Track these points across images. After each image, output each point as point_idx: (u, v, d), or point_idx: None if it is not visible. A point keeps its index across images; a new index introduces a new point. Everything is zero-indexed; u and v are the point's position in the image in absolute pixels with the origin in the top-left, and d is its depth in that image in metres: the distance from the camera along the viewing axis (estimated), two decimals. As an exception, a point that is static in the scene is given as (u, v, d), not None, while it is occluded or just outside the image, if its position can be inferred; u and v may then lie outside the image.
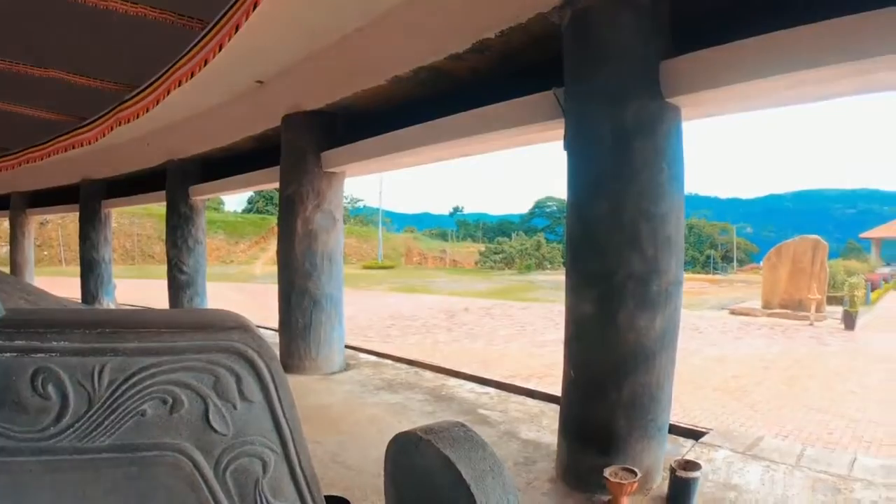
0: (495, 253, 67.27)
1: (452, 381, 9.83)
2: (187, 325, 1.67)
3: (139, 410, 1.56)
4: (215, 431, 1.65)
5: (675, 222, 5.64)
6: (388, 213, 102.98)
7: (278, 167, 10.97)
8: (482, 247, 75.47)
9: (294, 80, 10.40)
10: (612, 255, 5.53)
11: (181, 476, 1.64)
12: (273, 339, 10.86)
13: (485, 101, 7.46)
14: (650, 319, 5.51)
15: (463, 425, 3.24)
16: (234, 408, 1.67)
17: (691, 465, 5.51)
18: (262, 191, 60.44)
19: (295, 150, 10.58)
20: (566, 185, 5.98)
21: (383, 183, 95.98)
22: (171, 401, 1.59)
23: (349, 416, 7.91)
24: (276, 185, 11.18)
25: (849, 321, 18.98)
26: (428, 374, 10.39)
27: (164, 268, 15.48)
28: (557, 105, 6.22)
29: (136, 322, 1.64)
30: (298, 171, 10.48)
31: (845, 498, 5.76)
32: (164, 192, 15.49)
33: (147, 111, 11.18)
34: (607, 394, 5.61)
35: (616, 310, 5.51)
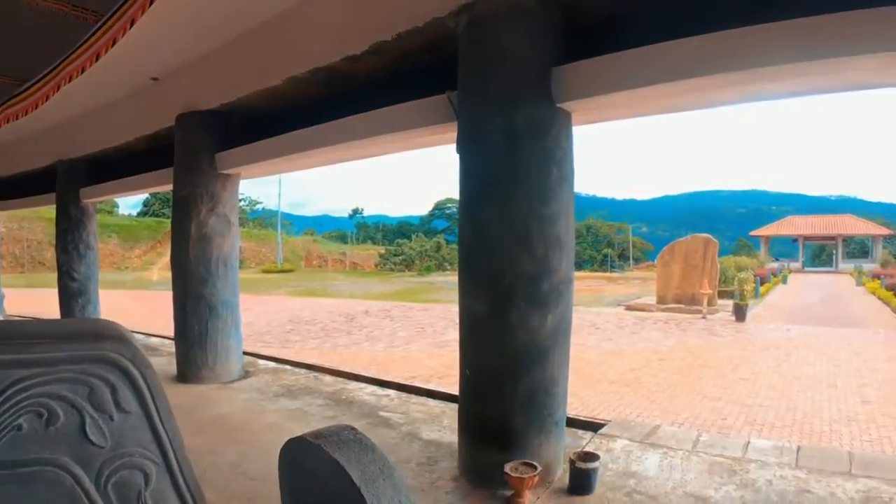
0: (395, 255, 67.33)
1: (353, 385, 9.75)
2: (61, 335, 1.61)
3: (15, 425, 1.50)
4: (93, 444, 1.60)
5: (564, 222, 5.80)
6: (288, 216, 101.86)
7: (173, 168, 10.58)
8: (382, 249, 75.43)
9: (190, 78, 10.04)
10: (503, 255, 5.62)
11: (62, 492, 1.58)
12: (170, 348, 10.56)
13: (382, 103, 7.43)
14: (542, 318, 5.63)
15: (352, 428, 3.22)
16: (111, 419, 1.62)
17: (590, 456, 5.69)
18: (157, 193, 58.58)
19: (189, 151, 10.22)
20: (458, 187, 6.05)
21: (282, 185, 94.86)
22: (46, 414, 1.53)
23: (249, 424, 7.74)
24: (171, 187, 10.73)
25: (739, 313, 19.93)
26: (328, 378, 10.28)
27: (56, 275, 14.82)
28: (451, 108, 6.28)
29: (9, 333, 1.57)
30: (192, 173, 10.11)
31: (741, 479, 6.09)
32: (53, 195, 14.74)
33: (37, 107, 10.65)
34: (503, 391, 5.70)
35: (508, 309, 5.60)
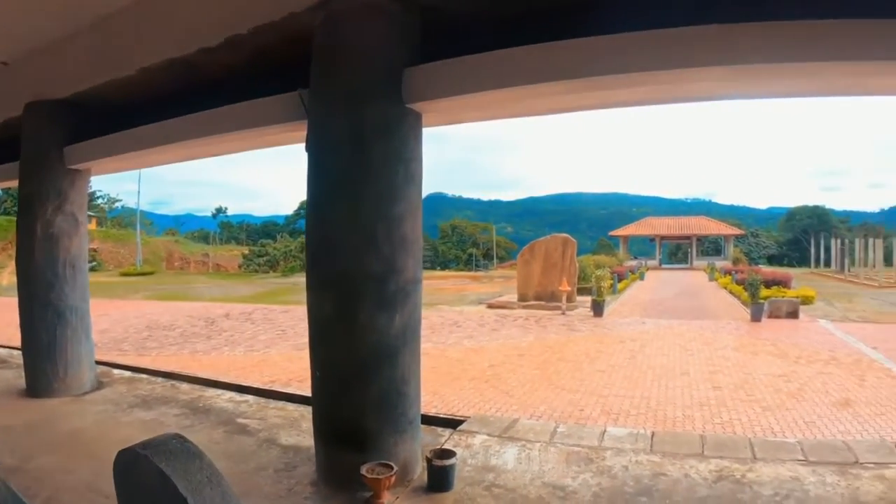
0: (259, 256, 65.69)
1: (210, 392, 9.41)
2: None
3: None
4: None
5: (411, 222, 5.80)
6: (149, 215, 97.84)
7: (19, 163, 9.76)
8: (246, 249, 73.46)
9: (41, 64, 9.25)
10: (350, 255, 5.58)
11: None
12: (20, 359, 9.92)
13: (237, 98, 7.19)
14: (389, 318, 5.62)
15: (180, 437, 3.13)
16: None
17: (446, 453, 5.75)
18: (9, 189, 54.42)
19: (36, 144, 9.46)
20: (306, 186, 5.96)
21: (143, 182, 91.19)
22: None
23: (103, 439, 7.32)
24: (17, 182, 10.02)
25: (597, 309, 20.71)
26: (185, 386, 9.85)
27: None
28: (302, 106, 6.16)
29: None
30: (39, 168, 9.37)
31: (597, 466, 6.32)
32: None
33: None
34: (354, 392, 5.67)
35: (355, 310, 5.57)
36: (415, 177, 5.85)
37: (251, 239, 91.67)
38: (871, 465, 6.37)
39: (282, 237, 73.78)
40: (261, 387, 9.61)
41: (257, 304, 26.93)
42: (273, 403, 8.70)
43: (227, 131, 7.40)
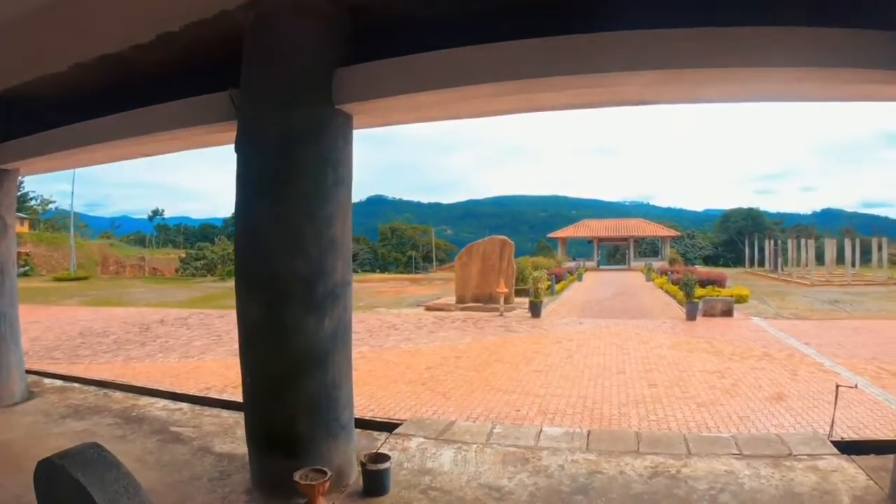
0: (196, 259, 64.41)
1: (144, 400, 9.16)
2: None
3: None
4: None
5: (340, 225, 5.74)
6: (83, 217, 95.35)
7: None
8: (183, 253, 72.11)
9: None
10: (278, 258, 5.51)
11: None
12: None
13: (171, 97, 7.03)
14: (319, 321, 5.55)
15: (97, 446, 3.01)
16: None
17: (381, 457, 5.70)
18: None
19: None
20: (235, 187, 5.86)
21: (78, 183, 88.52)
22: None
23: (32, 451, 7.02)
24: None
25: (534, 310, 20.84)
26: (118, 394, 9.58)
27: None
28: (233, 106, 6.05)
29: None
30: None
31: (534, 466, 6.36)
32: None
33: None
34: (285, 398, 5.58)
35: (284, 313, 5.50)
36: (344, 179, 5.80)
37: (189, 242, 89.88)
38: (805, 457, 6.58)
39: (220, 240, 72.40)
40: (195, 394, 9.43)
41: (193, 308, 26.38)
42: (208, 411, 8.53)
43: (158, 131, 7.23)
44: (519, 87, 5.49)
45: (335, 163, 5.67)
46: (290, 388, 5.54)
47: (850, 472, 6.15)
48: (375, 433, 7.39)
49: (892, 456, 5.29)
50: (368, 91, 5.66)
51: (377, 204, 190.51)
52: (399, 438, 7.14)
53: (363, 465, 5.62)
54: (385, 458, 5.69)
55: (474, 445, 6.91)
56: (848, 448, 6.79)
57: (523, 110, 6.55)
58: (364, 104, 5.78)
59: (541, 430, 7.48)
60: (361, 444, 6.60)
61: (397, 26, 5.92)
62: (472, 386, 10.43)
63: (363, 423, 7.40)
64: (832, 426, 7.50)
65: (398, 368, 11.91)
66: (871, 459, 6.44)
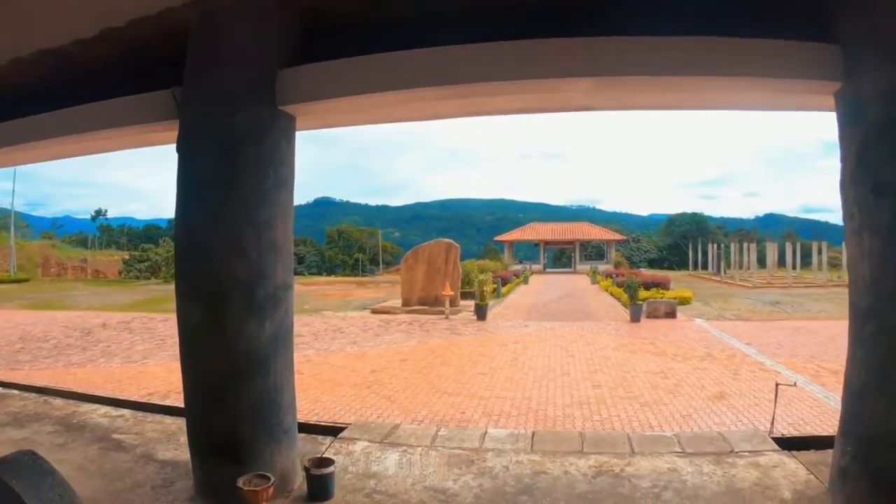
0: (140, 261, 62.78)
1: (85, 407, 8.95)
2: None
3: None
4: None
5: (281, 227, 5.69)
6: (25, 217, 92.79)
7: None
8: (126, 255, 70.45)
9: None
10: (218, 261, 5.43)
11: None
12: None
13: (114, 93, 6.86)
14: (259, 325, 5.48)
15: (32, 453, 2.93)
16: None
17: (324, 462, 5.71)
18: None
19: None
20: (175, 189, 5.75)
21: (19, 181, 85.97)
22: None
23: (-31, 461, 6.89)
24: None
25: (480, 312, 20.93)
26: (59, 401, 9.34)
27: None
28: (175, 104, 5.94)
29: None
30: None
31: (479, 468, 6.40)
32: None
33: None
34: (226, 403, 5.50)
35: (224, 317, 5.41)
36: (286, 181, 5.75)
37: (132, 243, 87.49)
38: (746, 454, 6.80)
39: (164, 241, 70.57)
40: (138, 400, 9.24)
41: (137, 312, 25.82)
42: (150, 417, 8.38)
43: (101, 128, 7.06)
44: (461, 91, 5.56)
45: (277, 164, 5.62)
46: (231, 392, 5.45)
47: (791, 467, 6.39)
48: (320, 437, 7.35)
49: (831, 451, 5.44)
50: (312, 92, 5.64)
51: (324, 206, 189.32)
52: (344, 442, 7.12)
53: (307, 469, 5.58)
54: (329, 462, 5.68)
55: (419, 448, 6.93)
56: (788, 444, 7.06)
57: (467, 114, 6.60)
58: (307, 105, 5.75)
59: (485, 432, 7.54)
60: (306, 448, 6.55)
61: (344, 29, 5.91)
62: (417, 389, 10.40)
63: (307, 428, 7.37)
64: (773, 423, 7.67)
65: (343, 372, 11.81)
66: (811, 455, 6.71)
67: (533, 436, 7.37)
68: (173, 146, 6.97)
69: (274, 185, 5.56)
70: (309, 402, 9.07)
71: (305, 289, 37.56)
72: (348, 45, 5.69)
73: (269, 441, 5.61)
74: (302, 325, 18.15)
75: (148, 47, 6.57)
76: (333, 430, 7.53)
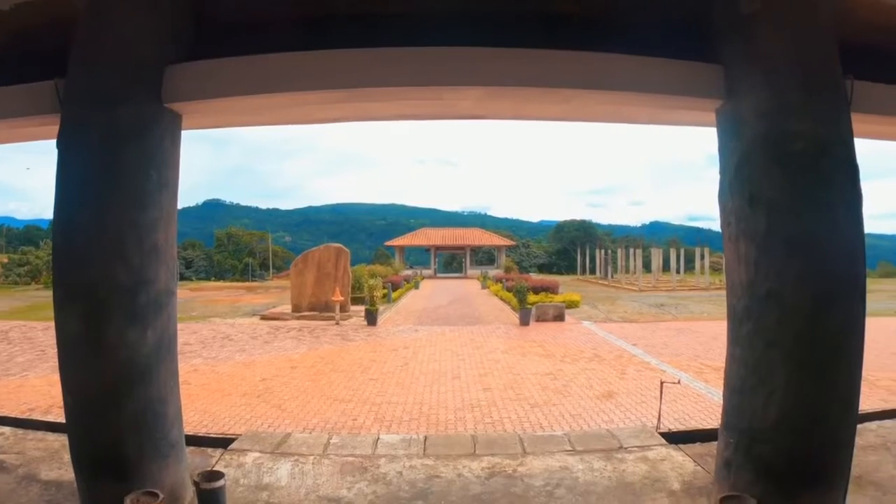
0: (20, 265, 59.69)
1: (-44, 426, 8.44)
2: None
3: None
4: None
5: (164, 230, 5.45)
6: None
7: None
8: (5, 258, 66.97)
9: None
10: (97, 265, 5.13)
11: None
12: None
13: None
14: (141, 332, 5.21)
15: None
16: None
17: (215, 475, 5.45)
18: None
19: None
20: (54, 188, 5.39)
21: None
22: None
23: None
24: None
25: (371, 318, 21.06)
26: (-73, 421, 8.83)
27: None
28: (57, 97, 5.66)
29: None
30: None
31: (372, 475, 6.37)
32: None
33: None
34: (108, 416, 5.19)
35: (104, 325, 5.12)
36: (169, 182, 5.49)
37: (11, 245, 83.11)
38: (635, 449, 7.13)
39: (45, 243, 67.32)
40: (18, 416, 8.60)
41: (16, 320, 24.39)
42: (32, 434, 7.78)
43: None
44: (352, 96, 5.54)
45: (160, 165, 5.35)
46: (113, 406, 5.13)
47: (679, 459, 6.76)
48: (209, 450, 7.09)
49: (715, 443, 5.75)
50: (200, 91, 5.44)
51: (214, 208, 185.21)
52: (234, 454, 6.91)
53: (197, 484, 5.29)
54: (219, 475, 5.42)
55: (311, 457, 6.84)
56: (675, 438, 7.51)
57: (358, 118, 6.58)
58: (195, 104, 5.54)
59: (378, 438, 7.55)
60: (195, 462, 6.33)
61: (237, 26, 5.74)
62: (308, 396, 10.27)
63: (196, 440, 7.10)
64: (659, 419, 8.02)
65: (232, 381, 11.53)
66: (697, 447, 7.15)
67: (425, 440, 7.43)
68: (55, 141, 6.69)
69: (157, 186, 5.29)
70: (197, 414, 8.80)
71: (193, 294, 36.59)
72: (241, 43, 5.50)
73: (155, 456, 5.32)
74: (189, 333, 17.69)
75: (34, 35, 6.18)
76: (223, 442, 7.29)
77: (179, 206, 5.74)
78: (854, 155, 5.22)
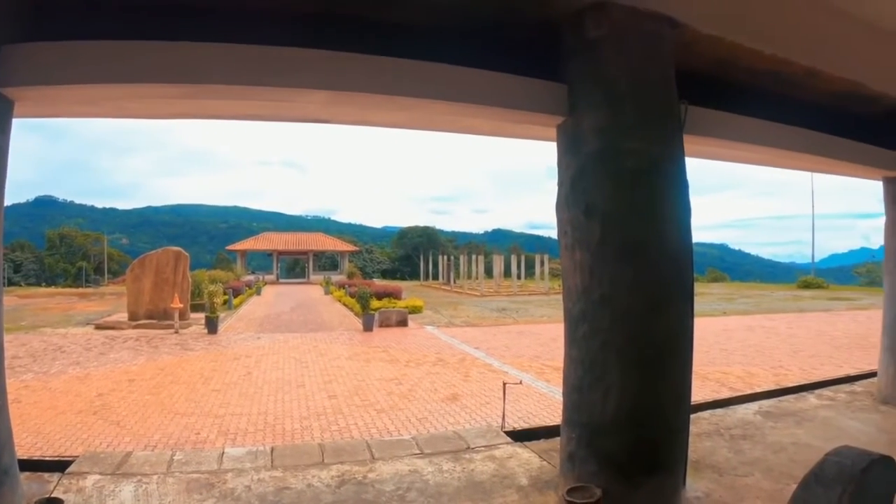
0: None
1: None
2: None
3: None
4: None
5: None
6: None
7: None
8: None
9: None
10: None
11: None
12: None
13: None
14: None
15: None
16: None
17: (53, 502, 5.08)
18: None
19: None
20: None
21: None
22: None
23: None
24: None
25: (211, 326, 20.32)
26: None
27: None
28: None
29: None
30: None
31: (220, 490, 6.13)
32: None
33: None
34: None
35: None
36: (-4, 175, 4.96)
37: None
38: (482, 448, 7.48)
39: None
40: None
41: None
42: None
43: None
44: (196, 91, 5.31)
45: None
46: None
47: (525, 456, 7.18)
48: (46, 475, 6.48)
49: (559, 438, 6.10)
50: (35, 75, 4.90)
51: (46, 206, 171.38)
52: (73, 478, 6.35)
53: None
54: (58, 502, 5.02)
55: (155, 476, 6.46)
56: (520, 436, 7.96)
57: (201, 115, 6.39)
58: (27, 90, 4.98)
59: (223, 452, 7.28)
60: (32, 489, 5.79)
61: (81, 7, 5.18)
62: (147, 411, 9.74)
63: (31, 465, 6.48)
64: (503, 418, 8.31)
65: (66, 397, 10.77)
66: (542, 443, 7.64)
67: (272, 451, 7.29)
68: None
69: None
70: (30, 435, 8.06)
71: (22, 302, 33.97)
72: (84, 26, 5.00)
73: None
74: (18, 345, 16.22)
75: None
76: (60, 465, 6.67)
77: (7, 202, 5.18)
78: (685, 172, 5.84)
